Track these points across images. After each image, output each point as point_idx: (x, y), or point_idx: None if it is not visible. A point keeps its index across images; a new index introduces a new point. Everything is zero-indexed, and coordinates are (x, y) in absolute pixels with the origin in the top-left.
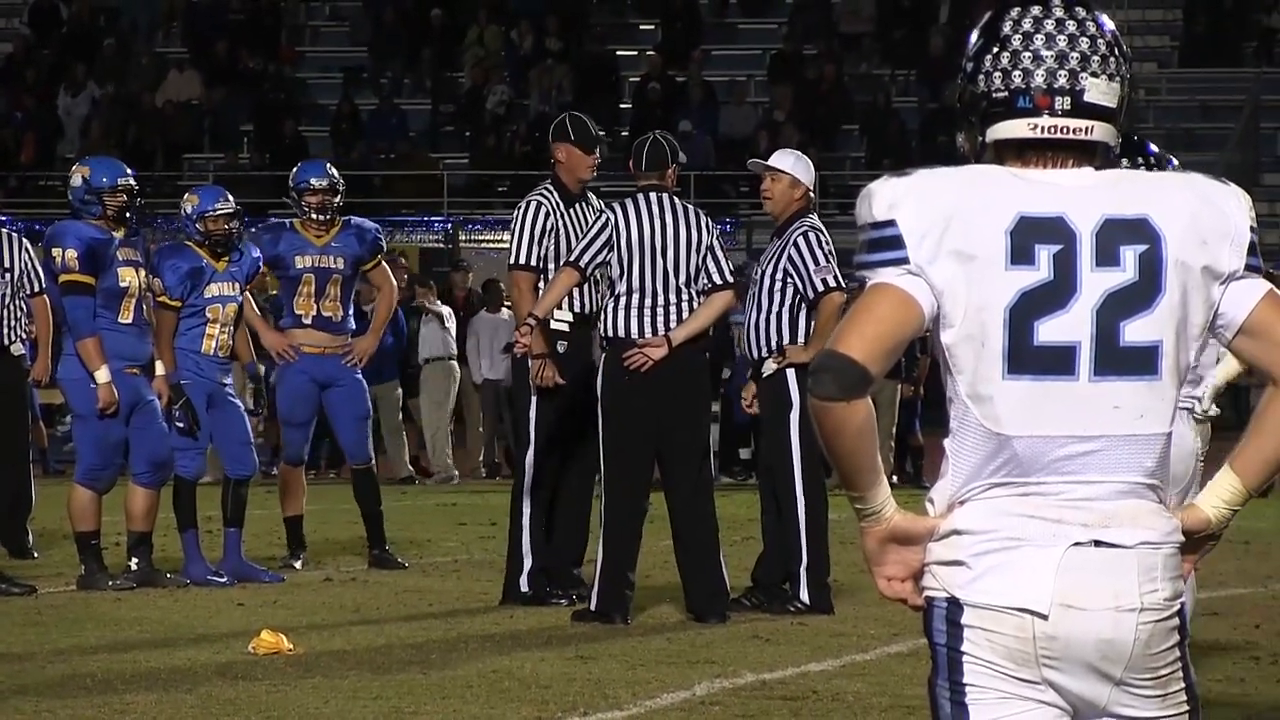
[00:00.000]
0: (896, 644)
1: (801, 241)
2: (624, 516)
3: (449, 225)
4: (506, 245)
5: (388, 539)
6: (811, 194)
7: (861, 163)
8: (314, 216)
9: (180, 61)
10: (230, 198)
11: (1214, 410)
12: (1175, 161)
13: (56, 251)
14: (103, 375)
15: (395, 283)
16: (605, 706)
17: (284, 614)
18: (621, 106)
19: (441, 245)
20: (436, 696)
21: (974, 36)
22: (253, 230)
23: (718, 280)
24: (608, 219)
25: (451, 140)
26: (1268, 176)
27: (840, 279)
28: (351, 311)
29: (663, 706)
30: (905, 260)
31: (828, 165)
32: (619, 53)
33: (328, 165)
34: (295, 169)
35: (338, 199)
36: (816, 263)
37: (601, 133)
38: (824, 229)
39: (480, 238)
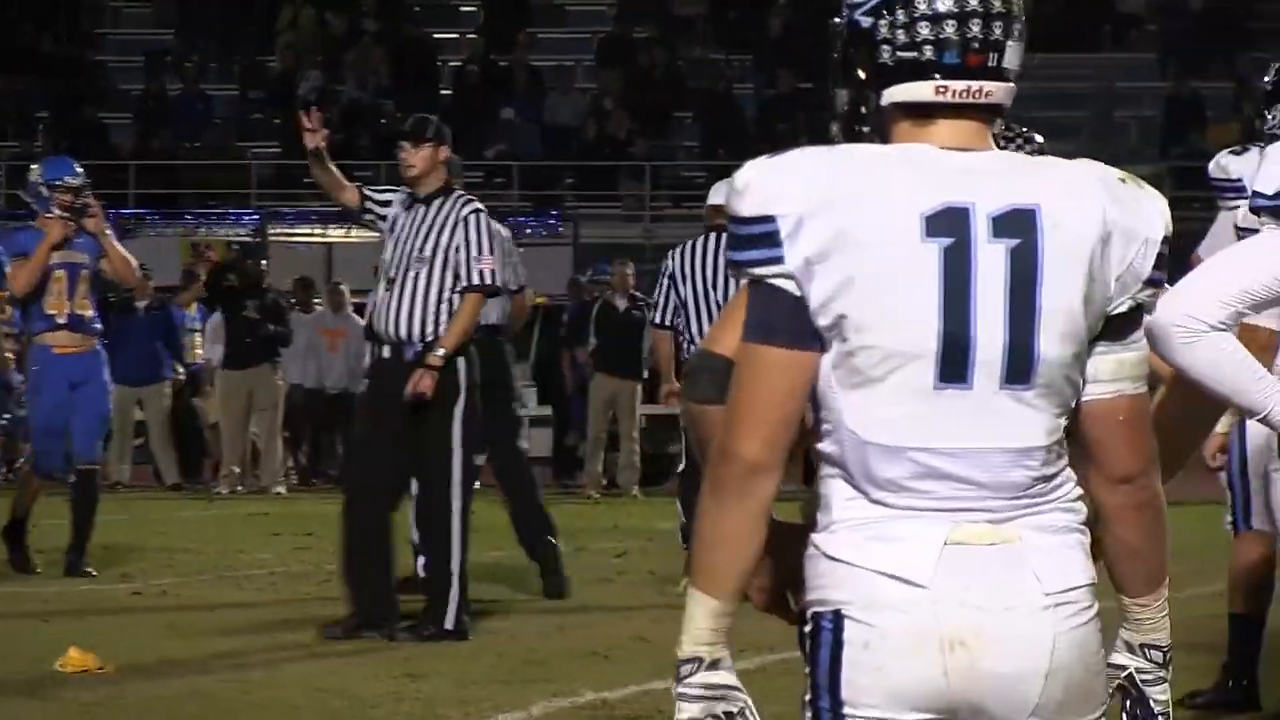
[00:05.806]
0: (742, 660)
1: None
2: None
3: (258, 218)
4: (318, 239)
5: (88, 551)
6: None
7: (696, 152)
8: (61, 215)
9: None
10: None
11: None
12: (1039, 138)
13: None
14: None
15: None
16: None
17: (91, 629)
18: (441, 92)
19: (250, 239)
20: (259, 716)
21: None
22: None
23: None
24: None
25: (261, 129)
26: (1123, 168)
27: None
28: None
29: None
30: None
31: (660, 155)
32: (439, 36)
33: (74, 163)
34: (41, 165)
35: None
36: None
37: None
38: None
39: (291, 231)
